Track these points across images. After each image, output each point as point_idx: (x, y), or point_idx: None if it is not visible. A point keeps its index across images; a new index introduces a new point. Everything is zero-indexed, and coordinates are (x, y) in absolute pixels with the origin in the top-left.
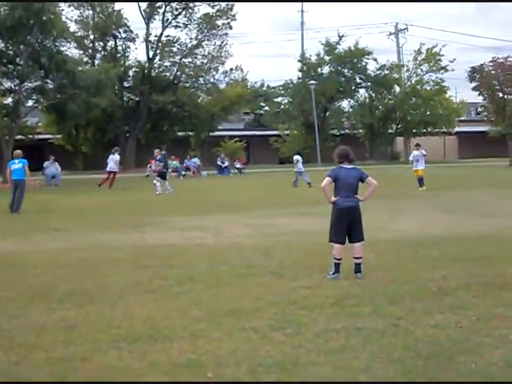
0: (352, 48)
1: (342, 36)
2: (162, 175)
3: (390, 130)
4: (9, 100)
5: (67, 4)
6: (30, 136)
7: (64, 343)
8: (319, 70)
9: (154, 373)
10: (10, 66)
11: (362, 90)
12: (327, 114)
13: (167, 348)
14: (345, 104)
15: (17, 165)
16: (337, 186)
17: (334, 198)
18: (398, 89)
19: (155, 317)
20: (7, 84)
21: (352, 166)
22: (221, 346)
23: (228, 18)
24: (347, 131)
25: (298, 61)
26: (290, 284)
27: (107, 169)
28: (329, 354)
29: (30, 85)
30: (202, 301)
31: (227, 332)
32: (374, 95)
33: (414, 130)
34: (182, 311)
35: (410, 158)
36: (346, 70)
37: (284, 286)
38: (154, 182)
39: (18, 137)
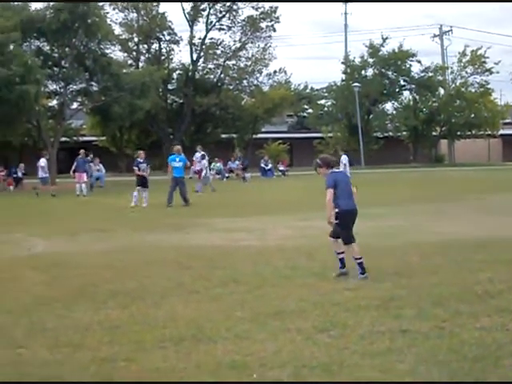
0: (396, 50)
1: (386, 38)
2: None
3: (433, 133)
4: (54, 102)
5: (112, 7)
6: (75, 138)
7: (109, 343)
8: (363, 72)
9: (199, 373)
10: (55, 68)
11: (405, 93)
12: (371, 116)
13: (212, 349)
14: (388, 106)
15: (178, 163)
16: (338, 190)
17: (333, 220)
18: (442, 91)
19: (199, 317)
20: (52, 86)
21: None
22: (265, 347)
23: (272, 21)
24: (391, 134)
25: (342, 63)
26: (334, 286)
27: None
28: (374, 356)
29: (74, 87)
30: (246, 302)
31: (271, 333)
32: (417, 97)
33: (459, 133)
34: (226, 312)
35: None
36: (389, 73)
37: (328, 287)
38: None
39: (63, 139)
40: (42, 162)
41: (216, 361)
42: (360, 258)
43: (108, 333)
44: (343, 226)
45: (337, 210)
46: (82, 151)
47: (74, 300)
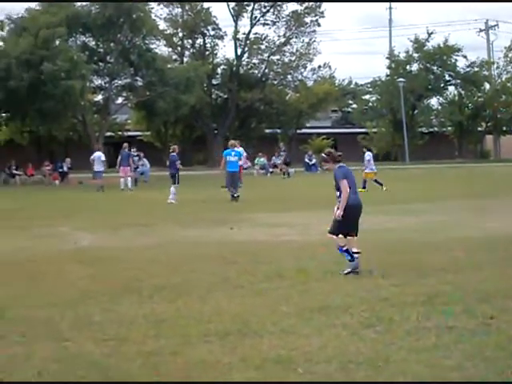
0: (441, 45)
1: (431, 33)
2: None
3: (479, 128)
4: (99, 97)
5: (156, 2)
6: (120, 133)
7: (154, 337)
8: (408, 67)
9: (244, 367)
10: (100, 63)
11: (451, 88)
12: (416, 111)
13: (257, 343)
14: (433, 101)
15: (233, 157)
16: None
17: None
18: (487, 86)
19: (244, 312)
20: (98, 81)
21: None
22: (310, 342)
23: (316, 16)
24: (436, 129)
25: (387, 58)
26: (379, 281)
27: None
28: (420, 351)
29: (119, 82)
30: (291, 297)
31: (317, 328)
32: (463, 92)
33: (504, 128)
34: (271, 307)
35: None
36: (435, 68)
37: (373, 283)
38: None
39: (108, 133)
40: (98, 155)
41: (261, 355)
42: (359, 252)
43: (153, 326)
44: (345, 219)
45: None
46: (125, 144)
47: (119, 294)
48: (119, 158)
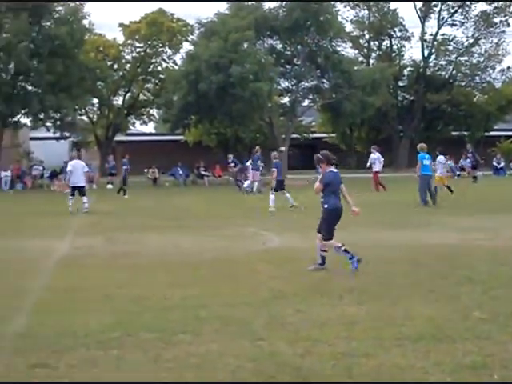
0: None
1: None
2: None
3: None
4: (286, 99)
5: (343, 4)
6: (305, 135)
7: (346, 338)
8: None
9: (437, 372)
10: (287, 66)
11: None
12: None
13: (451, 348)
14: None
15: (427, 160)
16: (329, 189)
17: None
18: None
19: (437, 317)
20: (284, 84)
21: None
22: (507, 348)
23: (506, 16)
24: None
25: None
26: None
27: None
28: None
29: (306, 84)
30: (484, 302)
31: None
32: None
33: None
34: (464, 312)
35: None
36: None
37: None
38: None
39: (294, 135)
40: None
41: (455, 360)
42: (326, 251)
43: (345, 328)
44: (331, 222)
45: (326, 206)
46: (257, 148)
47: (309, 295)
48: (249, 161)
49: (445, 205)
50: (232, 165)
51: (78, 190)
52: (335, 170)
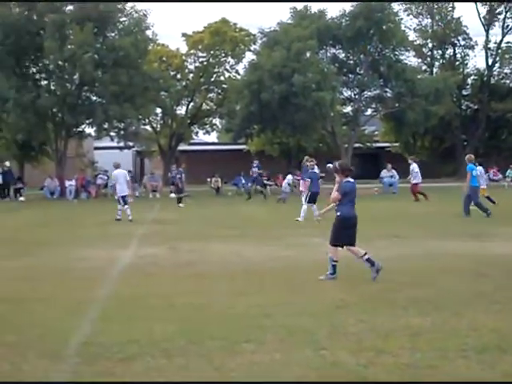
0: None
1: None
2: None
3: None
4: (348, 109)
5: (406, 13)
6: (368, 144)
7: (410, 349)
8: None
9: None
10: (350, 75)
11: None
12: None
13: None
14: None
15: (475, 171)
16: (346, 199)
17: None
18: None
19: (502, 328)
20: (347, 93)
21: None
22: None
23: None
24: None
25: None
26: None
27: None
28: None
29: (369, 93)
30: None
31: None
32: None
33: None
34: None
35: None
36: None
37: None
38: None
39: (356, 145)
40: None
41: None
42: (337, 261)
43: (409, 339)
44: (340, 229)
45: (338, 214)
46: (306, 157)
47: (373, 305)
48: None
49: (505, 216)
50: (256, 169)
51: (122, 198)
52: (352, 180)
